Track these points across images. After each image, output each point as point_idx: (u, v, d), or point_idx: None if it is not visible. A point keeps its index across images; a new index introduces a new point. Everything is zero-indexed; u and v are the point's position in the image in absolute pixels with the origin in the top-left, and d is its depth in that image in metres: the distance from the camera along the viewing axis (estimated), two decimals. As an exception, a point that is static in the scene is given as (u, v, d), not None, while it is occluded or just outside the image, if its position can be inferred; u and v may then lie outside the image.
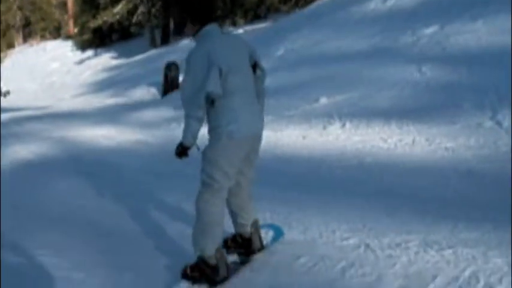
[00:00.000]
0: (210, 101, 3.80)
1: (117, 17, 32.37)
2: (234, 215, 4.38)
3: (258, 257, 4.49)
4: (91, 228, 6.00)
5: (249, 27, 24.79)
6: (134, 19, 32.60)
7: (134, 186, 7.61)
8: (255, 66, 4.09)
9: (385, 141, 7.75)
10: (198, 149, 4.01)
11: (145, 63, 26.40)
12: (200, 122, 3.85)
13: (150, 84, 19.78)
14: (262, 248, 4.51)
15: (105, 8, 34.57)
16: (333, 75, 11.41)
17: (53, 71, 37.68)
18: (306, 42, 15.18)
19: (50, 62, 40.36)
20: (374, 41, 12.55)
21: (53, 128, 14.80)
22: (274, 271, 4.31)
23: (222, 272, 4.04)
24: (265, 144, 8.91)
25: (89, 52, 39.16)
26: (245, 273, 4.30)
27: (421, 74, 9.77)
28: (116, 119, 14.92)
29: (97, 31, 39.23)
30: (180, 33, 24.82)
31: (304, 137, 8.89)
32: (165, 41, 33.12)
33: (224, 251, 4.19)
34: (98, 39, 40.02)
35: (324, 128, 8.95)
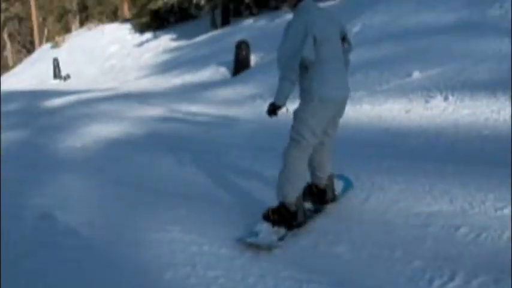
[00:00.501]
0: (304, 66, 4.29)
1: (177, -2, 32.02)
2: (312, 168, 4.84)
3: (330, 207, 5.00)
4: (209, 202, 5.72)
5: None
6: (194, 0, 32.23)
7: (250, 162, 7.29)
8: (343, 39, 4.59)
9: (498, 113, 7.32)
10: (287, 110, 4.43)
11: (209, 44, 26.09)
12: (293, 84, 4.32)
13: (219, 64, 19.50)
14: (334, 199, 5.03)
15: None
16: (421, 49, 11.02)
17: (112, 54, 37.75)
18: (384, 18, 14.66)
19: (109, 45, 40.44)
20: (460, 15, 12.07)
21: (126, 108, 14.70)
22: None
23: (300, 217, 4.55)
24: (367, 118, 8.67)
25: (148, 34, 39.06)
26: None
27: (518, 47, 9.26)
28: (192, 97, 14.71)
29: (155, 13, 39.15)
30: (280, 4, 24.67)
31: (407, 111, 8.57)
32: (225, 22, 32.78)
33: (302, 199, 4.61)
34: (156, 21, 39.89)
35: (426, 101, 8.63)
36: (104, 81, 28.59)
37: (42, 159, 9.32)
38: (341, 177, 5.28)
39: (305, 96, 4.41)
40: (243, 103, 12.18)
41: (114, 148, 9.53)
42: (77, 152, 9.49)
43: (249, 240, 4.47)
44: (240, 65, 17.73)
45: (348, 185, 5.29)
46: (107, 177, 7.44)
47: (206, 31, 31.80)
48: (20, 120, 16.04)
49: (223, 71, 18.67)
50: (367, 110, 9.05)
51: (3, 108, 19.38)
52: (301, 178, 4.53)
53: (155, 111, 13.22)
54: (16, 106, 20.27)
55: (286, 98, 4.36)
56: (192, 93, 15.67)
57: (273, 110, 4.42)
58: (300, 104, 4.46)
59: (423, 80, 9.60)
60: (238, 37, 23.90)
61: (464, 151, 6.44)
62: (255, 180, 6.27)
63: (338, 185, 5.15)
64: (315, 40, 4.20)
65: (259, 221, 4.60)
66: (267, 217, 4.56)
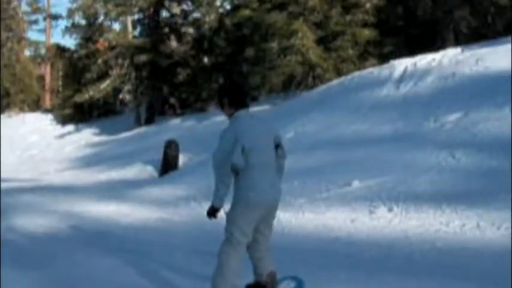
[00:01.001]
0: (235, 171, 4.66)
1: (103, 92, 32.10)
2: (253, 266, 5.09)
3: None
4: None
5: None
6: (121, 96, 32.39)
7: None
8: (277, 146, 4.96)
9: (447, 225, 7.50)
10: (225, 212, 4.82)
11: (134, 141, 26.06)
12: (227, 187, 4.68)
13: (145, 162, 19.43)
14: None
15: (88, 84, 34.45)
16: (358, 159, 11.24)
17: (32, 144, 36.97)
18: (318, 126, 15.00)
19: (29, 134, 39.65)
20: (396, 126, 12.46)
21: (51, 201, 14.30)
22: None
23: None
24: (314, 227, 8.66)
25: (70, 127, 38.63)
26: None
27: (456, 160, 9.68)
28: (120, 195, 14.43)
29: (78, 106, 38.94)
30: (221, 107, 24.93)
31: (352, 221, 8.58)
32: (150, 119, 32.97)
33: None
34: (79, 114, 39.63)
35: (371, 212, 8.69)
36: (24, 170, 27.83)
37: None
38: (294, 278, 5.44)
39: (235, 199, 4.77)
40: (176, 204, 12.07)
41: (46, 245, 9.15)
42: (4, 249, 9.09)
43: None
44: (168, 165, 17.72)
45: (299, 286, 5.37)
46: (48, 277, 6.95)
47: (130, 127, 31.82)
48: None
49: (150, 170, 18.58)
50: (310, 217, 9.06)
51: None
52: (232, 273, 4.78)
53: (82, 206, 12.92)
54: None
55: (222, 200, 4.71)
56: (119, 190, 15.44)
57: (212, 212, 4.78)
58: (231, 205, 4.80)
59: (364, 190, 9.72)
60: (165, 136, 23.95)
61: (421, 263, 6.38)
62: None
63: (288, 285, 5.35)
64: (243, 149, 4.58)
65: None
66: None
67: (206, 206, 4.97)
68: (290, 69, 21.14)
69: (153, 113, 33.94)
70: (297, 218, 8.99)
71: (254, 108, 23.98)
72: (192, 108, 33.81)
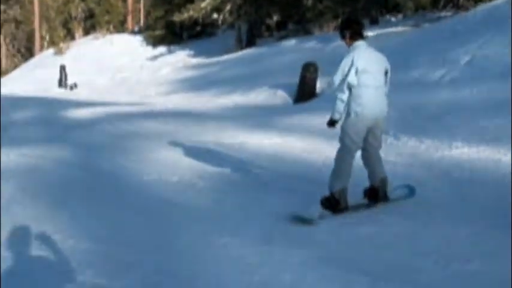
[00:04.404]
0: (350, 89, 5.63)
1: (203, 12, 29.55)
2: (368, 172, 6.02)
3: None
4: None
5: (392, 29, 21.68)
6: (221, 16, 29.83)
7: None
8: (386, 74, 5.90)
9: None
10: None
11: (244, 64, 23.54)
12: (343, 103, 5.67)
13: (274, 87, 16.88)
14: (386, 199, 6.01)
15: (183, 3, 32.04)
16: None
17: (123, 66, 35.12)
18: (501, 48, 12.05)
19: (119, 56, 37.84)
20: None
21: (183, 129, 12.07)
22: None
23: (342, 205, 5.75)
24: None
25: (161, 48, 36.60)
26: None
27: None
28: (262, 123, 12.13)
29: (170, 27, 36.74)
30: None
31: None
32: (251, 41, 30.42)
33: (346, 191, 5.77)
34: (170, 35, 37.44)
35: None
36: (120, 93, 25.88)
37: (141, 203, 6.58)
38: (407, 186, 6.38)
39: (347, 112, 5.71)
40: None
41: (244, 191, 6.87)
42: (187, 196, 6.83)
43: (298, 214, 5.73)
44: (305, 90, 15.16)
45: (410, 193, 6.25)
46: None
47: (230, 50, 29.42)
48: (46, 133, 13.34)
49: (281, 95, 16.08)
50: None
51: (14, 116, 16.75)
52: (344, 174, 5.75)
53: (230, 137, 10.64)
54: (31, 114, 17.52)
55: (339, 113, 5.74)
56: (259, 118, 13.05)
57: (331, 123, 5.86)
58: (344, 118, 5.77)
59: None
60: (284, 58, 21.51)
61: None
62: None
63: (402, 191, 6.29)
64: (356, 70, 5.56)
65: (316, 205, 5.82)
66: (321, 202, 5.82)
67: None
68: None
69: (254, 34, 31.42)
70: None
71: (398, 29, 21.21)
72: (288, 30, 31.31)
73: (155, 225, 5.64)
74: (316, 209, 5.78)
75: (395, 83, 12.88)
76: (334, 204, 5.76)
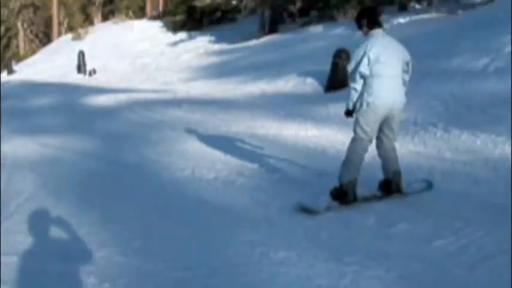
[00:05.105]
0: (363, 79, 5.41)
1: (225, -3, 28.81)
2: (382, 163, 5.84)
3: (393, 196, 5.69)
4: None
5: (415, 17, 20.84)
6: (244, 2, 29.06)
7: None
8: (407, 64, 5.68)
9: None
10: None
11: (270, 50, 22.74)
12: (357, 92, 5.46)
13: (302, 74, 16.06)
14: (399, 191, 5.79)
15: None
16: None
17: (142, 52, 34.46)
18: None
19: (138, 42, 37.19)
20: None
21: (212, 118, 11.43)
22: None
23: (350, 197, 5.56)
24: None
25: (182, 34, 35.83)
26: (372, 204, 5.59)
27: None
28: (294, 113, 11.45)
29: (190, 13, 36.01)
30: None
31: None
32: (273, 28, 29.58)
33: (356, 182, 5.58)
34: (191, 21, 36.68)
35: None
36: (139, 80, 25.23)
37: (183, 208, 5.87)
38: (424, 180, 6.22)
39: (360, 101, 5.49)
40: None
41: (288, 191, 6.12)
42: (227, 196, 6.12)
43: (304, 205, 5.57)
44: (337, 78, 14.33)
45: (428, 187, 6.04)
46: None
47: (252, 36, 28.53)
48: (66, 121, 12.74)
49: (311, 83, 15.25)
50: None
51: (33, 103, 16.22)
52: (355, 166, 5.58)
53: (264, 128, 9.93)
54: (51, 101, 16.94)
55: (353, 102, 5.51)
56: (290, 107, 12.31)
57: (347, 113, 5.64)
58: (357, 108, 5.53)
59: None
60: (312, 45, 20.72)
61: None
62: None
63: (419, 185, 6.05)
64: (369, 60, 5.33)
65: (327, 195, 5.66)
66: (331, 193, 5.65)
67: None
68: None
69: (276, 20, 30.60)
70: None
71: (432, 15, 20.32)
72: (312, 16, 30.44)
73: (196, 233, 4.88)
74: (325, 200, 5.62)
75: (437, 72, 12.35)
76: (342, 195, 5.63)
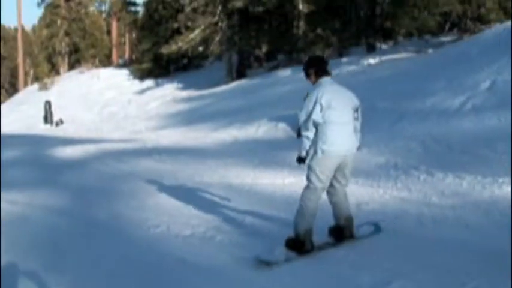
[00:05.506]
0: (315, 127, 5.48)
1: (192, 43, 28.80)
2: (333, 210, 5.93)
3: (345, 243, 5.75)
4: None
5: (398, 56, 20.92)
6: (211, 48, 29.07)
7: None
8: (356, 109, 5.74)
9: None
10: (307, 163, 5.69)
11: (238, 96, 22.66)
12: (309, 140, 5.51)
13: (273, 119, 15.91)
14: (351, 237, 5.89)
15: (171, 35, 31.43)
16: None
17: (110, 100, 34.19)
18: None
19: (105, 90, 36.93)
20: None
21: (183, 168, 11.11)
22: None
23: (307, 246, 5.59)
24: None
25: (149, 82, 35.75)
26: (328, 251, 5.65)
27: None
28: (271, 160, 11.20)
29: (157, 60, 36.01)
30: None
31: None
32: (241, 73, 29.61)
33: (312, 231, 5.62)
34: (157, 68, 36.66)
35: None
36: (108, 129, 24.93)
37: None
38: (372, 223, 6.32)
39: (313, 149, 5.53)
40: (374, 173, 8.81)
41: (272, 247, 5.84)
42: (206, 254, 5.83)
43: (262, 257, 5.49)
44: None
45: (376, 231, 6.19)
46: None
47: (220, 81, 28.53)
48: (33, 174, 12.32)
49: (283, 128, 15.11)
50: None
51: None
52: (310, 214, 5.61)
53: (242, 177, 9.67)
54: (16, 154, 16.46)
55: (306, 150, 5.54)
56: (265, 154, 12.14)
57: (299, 160, 5.66)
58: (310, 156, 5.57)
59: None
60: (282, 89, 20.68)
61: None
62: None
63: (367, 229, 6.16)
64: (321, 108, 5.42)
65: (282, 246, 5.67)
66: (286, 243, 5.67)
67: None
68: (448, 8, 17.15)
69: (244, 65, 30.68)
70: None
71: (402, 55, 20.44)
72: (279, 60, 30.62)
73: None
74: (282, 251, 5.57)
75: (413, 112, 12.31)
76: (299, 245, 5.62)
